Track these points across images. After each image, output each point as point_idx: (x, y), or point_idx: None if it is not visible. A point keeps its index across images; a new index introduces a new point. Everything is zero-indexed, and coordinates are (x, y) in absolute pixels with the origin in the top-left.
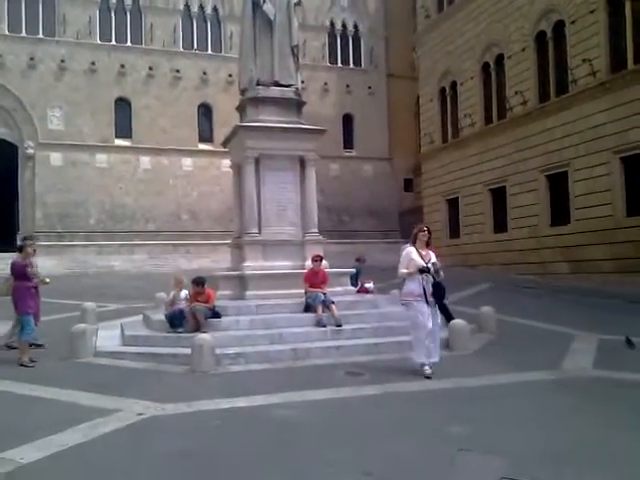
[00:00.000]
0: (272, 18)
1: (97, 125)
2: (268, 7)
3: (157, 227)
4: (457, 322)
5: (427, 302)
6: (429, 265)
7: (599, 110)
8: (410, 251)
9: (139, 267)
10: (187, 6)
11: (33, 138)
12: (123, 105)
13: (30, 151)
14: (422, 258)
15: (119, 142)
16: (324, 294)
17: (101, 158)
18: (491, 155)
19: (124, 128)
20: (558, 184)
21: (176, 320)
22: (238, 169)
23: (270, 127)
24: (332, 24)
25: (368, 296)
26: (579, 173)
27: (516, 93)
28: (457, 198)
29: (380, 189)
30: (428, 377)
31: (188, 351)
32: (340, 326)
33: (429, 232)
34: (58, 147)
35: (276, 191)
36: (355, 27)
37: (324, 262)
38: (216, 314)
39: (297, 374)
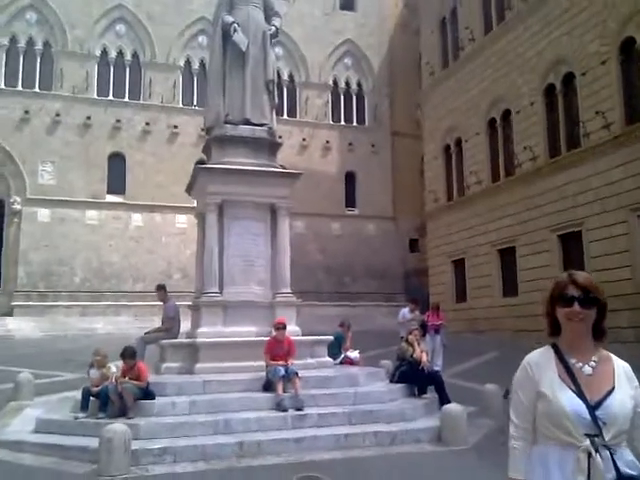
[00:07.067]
0: (244, 49)
1: (89, 181)
2: (239, 37)
3: (145, 287)
4: (451, 407)
5: None
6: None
7: (615, 165)
8: None
9: (124, 330)
10: (188, 62)
11: (21, 193)
12: (117, 160)
13: (17, 206)
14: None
15: (111, 198)
16: (286, 367)
17: (91, 214)
18: (499, 214)
19: (117, 184)
20: (571, 244)
21: (101, 400)
22: (202, 219)
23: (235, 169)
24: (335, 82)
25: (352, 369)
26: (594, 233)
27: (525, 149)
28: (463, 259)
29: (384, 249)
30: None
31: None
32: (301, 409)
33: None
34: (47, 202)
35: (242, 244)
36: (359, 85)
37: (295, 328)
38: (149, 394)
39: None
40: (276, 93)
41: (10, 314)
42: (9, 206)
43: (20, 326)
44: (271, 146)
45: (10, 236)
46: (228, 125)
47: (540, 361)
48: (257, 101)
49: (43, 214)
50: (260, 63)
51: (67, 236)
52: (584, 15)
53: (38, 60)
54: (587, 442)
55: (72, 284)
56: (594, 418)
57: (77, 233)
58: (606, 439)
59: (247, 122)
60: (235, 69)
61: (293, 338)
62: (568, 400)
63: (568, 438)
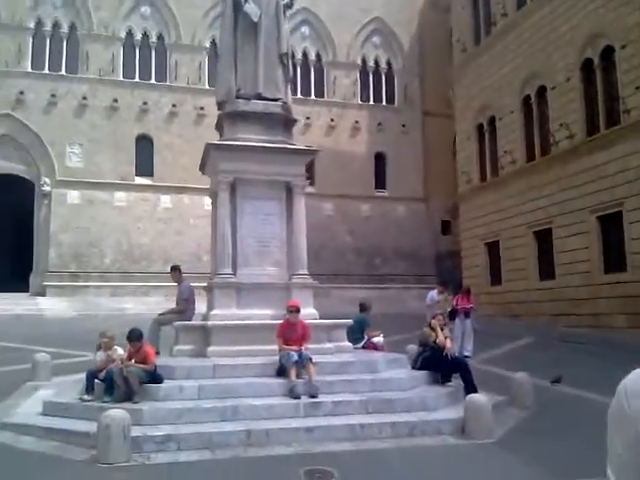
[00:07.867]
0: (256, 20)
1: (117, 163)
2: (250, 7)
3: None
4: (476, 397)
5: None
6: None
7: None
8: None
9: (153, 310)
10: (214, 43)
11: (50, 175)
12: (145, 142)
13: (46, 188)
14: None
15: (139, 180)
16: (299, 352)
17: (120, 196)
18: (534, 194)
19: (145, 166)
20: (611, 226)
21: (106, 384)
22: (216, 198)
23: (247, 146)
24: (364, 61)
25: (373, 354)
26: (635, 214)
27: (561, 126)
28: (498, 241)
29: (414, 231)
30: None
31: None
32: (315, 396)
33: None
34: (76, 184)
35: (256, 224)
36: (388, 64)
37: (312, 311)
38: (156, 377)
39: (241, 472)
40: (291, 67)
41: (43, 294)
42: (39, 188)
43: (53, 306)
44: (286, 122)
45: (41, 218)
46: (240, 100)
47: None
48: (270, 75)
49: (72, 196)
50: (273, 35)
51: (96, 218)
52: None
53: (64, 43)
54: None
55: (102, 265)
56: None
57: (106, 215)
58: None
59: (260, 97)
60: (247, 42)
61: (309, 322)
62: None
63: None
